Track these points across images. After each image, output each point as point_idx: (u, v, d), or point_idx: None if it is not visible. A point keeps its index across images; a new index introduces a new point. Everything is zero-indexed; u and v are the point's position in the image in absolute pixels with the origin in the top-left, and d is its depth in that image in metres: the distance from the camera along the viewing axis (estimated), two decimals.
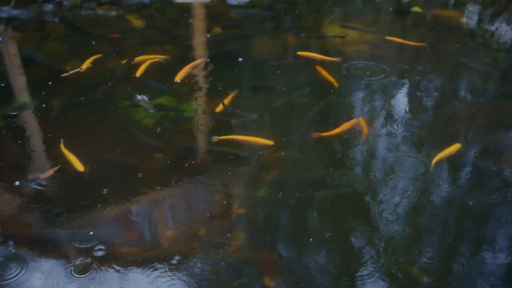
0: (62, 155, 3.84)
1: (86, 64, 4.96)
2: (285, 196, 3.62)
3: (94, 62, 5.03)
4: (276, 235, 3.38)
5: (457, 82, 5.10)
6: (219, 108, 4.46)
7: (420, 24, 6.41)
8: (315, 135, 4.17)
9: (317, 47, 5.66)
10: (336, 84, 4.87)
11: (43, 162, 3.84)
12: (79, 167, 3.73)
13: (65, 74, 4.81)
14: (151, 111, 4.33)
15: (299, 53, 5.39)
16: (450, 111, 4.62)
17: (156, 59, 5.13)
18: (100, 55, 5.12)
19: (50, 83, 4.74)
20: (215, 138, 4.10)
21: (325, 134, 4.19)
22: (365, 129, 4.25)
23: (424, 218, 3.47)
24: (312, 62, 5.26)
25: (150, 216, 3.47)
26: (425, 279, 3.06)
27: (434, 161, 3.88)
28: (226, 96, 4.61)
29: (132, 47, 5.39)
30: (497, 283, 3.06)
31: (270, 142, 4.07)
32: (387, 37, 5.78)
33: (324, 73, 5.02)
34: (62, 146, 3.91)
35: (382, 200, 3.59)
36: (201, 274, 3.08)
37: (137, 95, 4.45)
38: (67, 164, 3.77)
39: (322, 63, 5.21)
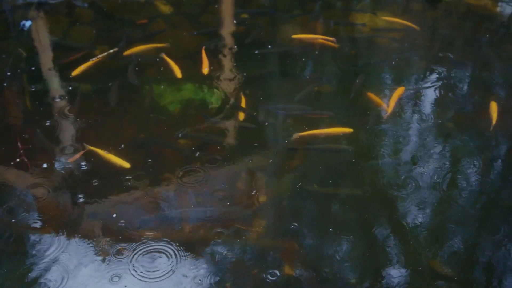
0: (101, 157, 3.77)
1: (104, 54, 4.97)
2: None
3: (119, 48, 5.06)
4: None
5: (483, 72, 5.05)
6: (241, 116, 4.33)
7: (452, 13, 6.28)
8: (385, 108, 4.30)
9: (344, 34, 5.64)
10: (336, 46, 5.19)
11: (70, 146, 3.90)
12: (124, 164, 3.70)
13: (93, 59, 4.86)
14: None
15: (294, 36, 5.40)
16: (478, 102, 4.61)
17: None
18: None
19: (82, 66, 4.76)
20: (296, 135, 4.04)
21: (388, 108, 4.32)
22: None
23: None
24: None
25: (173, 201, 3.50)
26: None
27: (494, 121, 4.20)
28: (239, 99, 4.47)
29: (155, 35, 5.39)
30: None
31: (350, 130, 4.06)
32: (383, 17, 5.89)
33: (321, 41, 5.26)
34: (94, 148, 3.81)
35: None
36: (221, 260, 3.10)
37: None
38: (110, 163, 3.72)
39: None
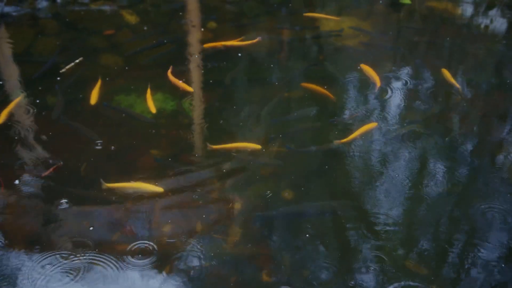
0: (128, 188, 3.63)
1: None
2: None
3: (85, 57, 5.02)
4: None
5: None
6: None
7: (414, 16, 6.43)
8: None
9: (310, 38, 5.76)
10: (256, 40, 5.37)
11: (42, 161, 3.84)
12: (157, 189, 3.58)
13: (63, 70, 4.80)
14: None
15: (205, 45, 5.31)
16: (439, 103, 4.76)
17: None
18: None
19: (58, 78, 4.73)
20: (337, 142, 4.03)
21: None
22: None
23: None
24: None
25: (147, 212, 3.48)
26: None
27: None
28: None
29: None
30: None
31: (375, 124, 4.26)
32: (305, 14, 6.11)
33: (237, 43, 5.33)
34: (107, 185, 3.61)
35: None
36: (199, 270, 3.11)
37: None
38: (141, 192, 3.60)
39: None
